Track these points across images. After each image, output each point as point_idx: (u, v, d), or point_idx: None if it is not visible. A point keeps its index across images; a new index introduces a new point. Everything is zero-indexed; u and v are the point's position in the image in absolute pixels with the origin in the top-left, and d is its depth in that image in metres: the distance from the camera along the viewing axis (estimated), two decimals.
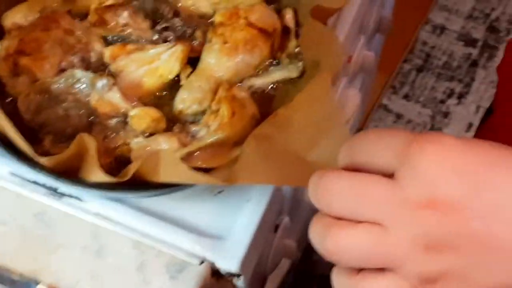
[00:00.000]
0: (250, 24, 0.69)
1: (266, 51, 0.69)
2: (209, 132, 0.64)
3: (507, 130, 0.83)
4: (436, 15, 1.89)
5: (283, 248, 0.79)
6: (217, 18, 0.70)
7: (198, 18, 0.72)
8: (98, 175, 0.60)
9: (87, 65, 0.68)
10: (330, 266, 0.47)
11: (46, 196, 0.65)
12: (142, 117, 0.65)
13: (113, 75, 0.68)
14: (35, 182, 0.66)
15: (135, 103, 0.66)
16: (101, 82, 0.66)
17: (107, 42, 0.70)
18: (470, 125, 1.74)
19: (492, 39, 1.86)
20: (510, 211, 0.42)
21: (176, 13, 0.72)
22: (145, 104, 0.67)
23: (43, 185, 0.65)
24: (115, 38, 0.71)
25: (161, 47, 0.69)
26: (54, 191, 0.65)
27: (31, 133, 0.65)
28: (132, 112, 0.65)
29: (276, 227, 0.77)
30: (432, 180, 0.42)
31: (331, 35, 0.68)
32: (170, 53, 0.68)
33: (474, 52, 1.84)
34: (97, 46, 0.69)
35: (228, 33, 0.68)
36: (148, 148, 0.64)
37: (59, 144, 0.64)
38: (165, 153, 0.59)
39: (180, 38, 0.70)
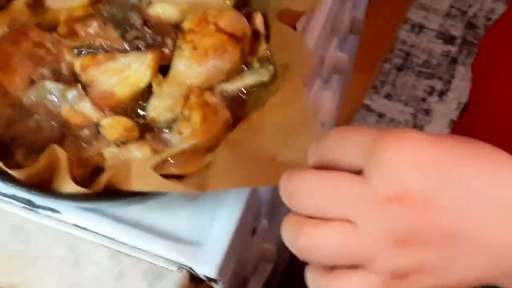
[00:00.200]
0: (219, 30, 0.69)
1: (236, 56, 0.69)
2: (181, 139, 0.64)
3: (481, 125, 0.83)
4: (414, 14, 1.90)
5: (262, 251, 0.79)
6: (186, 25, 0.70)
7: (168, 26, 0.72)
8: (70, 186, 0.60)
9: (58, 77, 0.68)
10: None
11: (23, 209, 0.65)
12: (114, 126, 0.65)
13: (85, 86, 0.68)
14: (12, 196, 0.65)
15: (107, 112, 0.66)
16: (72, 93, 0.66)
17: (77, 53, 0.70)
18: (451, 122, 1.74)
19: (470, 36, 1.87)
20: (477, 203, 0.42)
21: (146, 22, 0.72)
22: (117, 113, 0.67)
23: (19, 198, 0.65)
24: (85, 48, 0.71)
25: (132, 56, 0.69)
26: (29, 203, 0.65)
27: (2, 146, 0.65)
28: (103, 122, 0.65)
29: (254, 231, 0.77)
30: (399, 175, 0.42)
31: (298, 38, 0.68)
32: (140, 61, 0.68)
33: (453, 49, 1.85)
34: (68, 57, 0.69)
35: (198, 39, 0.68)
36: (121, 157, 0.64)
37: (32, 156, 0.64)
38: (136, 162, 0.59)
39: (151, 46, 0.70)
